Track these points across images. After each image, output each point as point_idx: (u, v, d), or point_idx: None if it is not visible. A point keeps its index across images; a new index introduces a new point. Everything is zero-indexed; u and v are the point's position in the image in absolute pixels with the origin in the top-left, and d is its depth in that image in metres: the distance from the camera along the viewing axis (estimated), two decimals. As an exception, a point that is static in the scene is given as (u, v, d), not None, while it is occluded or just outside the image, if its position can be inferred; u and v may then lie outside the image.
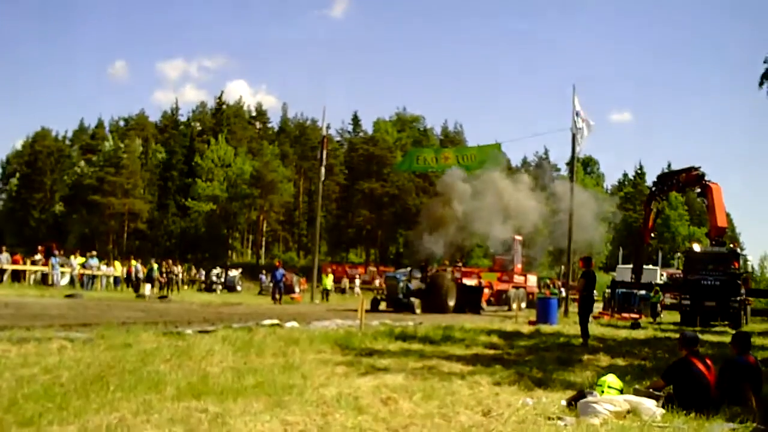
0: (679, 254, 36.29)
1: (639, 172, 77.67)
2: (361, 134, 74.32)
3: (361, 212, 63.75)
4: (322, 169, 29.64)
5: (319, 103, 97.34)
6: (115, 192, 60.45)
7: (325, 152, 29.49)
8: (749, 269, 28.71)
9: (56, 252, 27.84)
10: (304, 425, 4.70)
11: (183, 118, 77.98)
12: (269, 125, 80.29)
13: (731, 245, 27.88)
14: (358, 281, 41.90)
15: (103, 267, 30.75)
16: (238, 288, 38.65)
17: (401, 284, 23.66)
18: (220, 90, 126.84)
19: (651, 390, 6.13)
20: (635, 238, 33.95)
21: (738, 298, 23.02)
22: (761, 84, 17.33)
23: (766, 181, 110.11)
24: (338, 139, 73.54)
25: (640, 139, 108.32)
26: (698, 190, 26.75)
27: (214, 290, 35.82)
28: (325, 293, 31.48)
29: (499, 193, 29.41)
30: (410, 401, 5.75)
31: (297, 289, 34.68)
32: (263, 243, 66.75)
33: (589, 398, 5.66)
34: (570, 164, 29.01)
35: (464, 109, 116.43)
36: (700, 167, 26.28)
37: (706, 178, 25.96)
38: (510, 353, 10.60)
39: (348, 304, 25.71)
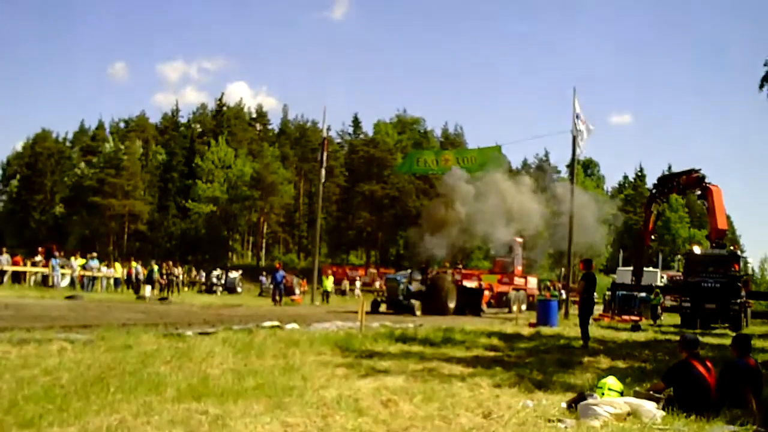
0: (679, 256, 36.29)
1: (639, 174, 77.70)
2: (361, 136, 74.37)
3: (361, 214, 63.74)
4: (323, 171, 29.66)
5: (319, 104, 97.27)
6: (115, 193, 60.47)
7: (325, 154, 29.49)
8: (749, 272, 28.67)
9: (56, 253, 27.82)
10: (305, 427, 4.70)
11: (183, 120, 78.28)
12: (270, 127, 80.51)
13: (731, 247, 27.92)
14: (358, 283, 41.87)
15: (104, 268, 30.76)
16: (239, 290, 38.63)
17: (401, 286, 23.67)
18: (220, 92, 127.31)
19: (651, 392, 6.13)
20: (635, 240, 33.94)
21: (738, 301, 23.04)
22: (761, 86, 17.36)
23: (766, 184, 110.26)
24: (339, 140, 73.61)
25: (641, 141, 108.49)
26: (698, 192, 26.78)
27: (215, 292, 35.80)
28: (326, 295, 31.46)
29: (501, 195, 29.39)
30: (410, 403, 5.75)
31: (297, 291, 34.66)
32: (263, 245, 66.75)
33: (590, 400, 5.66)
34: (570, 166, 29.03)
35: (464, 111, 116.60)
36: (700, 169, 26.33)
37: (706, 180, 25.99)
38: (510, 355, 10.59)
39: (348, 306, 25.70)
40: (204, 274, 40.02)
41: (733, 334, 10.88)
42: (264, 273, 42.86)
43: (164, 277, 29.78)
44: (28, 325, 10.08)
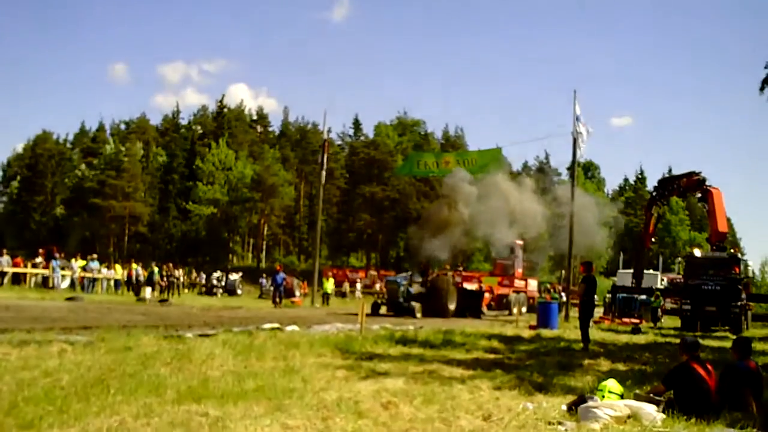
0: (679, 259, 36.28)
1: (640, 176, 77.73)
2: (362, 138, 74.44)
3: (361, 216, 63.77)
4: (323, 173, 29.66)
5: (320, 106, 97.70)
6: (115, 195, 60.52)
7: (326, 156, 29.50)
8: (750, 274, 28.70)
9: (57, 255, 27.82)
10: (305, 429, 4.70)
11: (184, 122, 78.39)
12: (270, 129, 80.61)
13: (732, 250, 27.92)
14: (358, 285, 41.88)
15: (104, 270, 30.78)
16: (239, 292, 38.66)
17: (402, 288, 23.66)
18: (221, 93, 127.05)
19: (651, 395, 6.13)
20: (636, 242, 33.94)
21: (739, 303, 23.04)
22: (762, 89, 17.32)
23: (767, 186, 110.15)
24: (339, 142, 73.71)
25: (641, 143, 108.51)
26: (699, 195, 26.75)
27: (215, 294, 35.81)
28: (326, 297, 31.46)
29: (504, 197, 29.40)
30: (411, 405, 5.75)
31: (297, 293, 34.66)
32: (264, 247, 66.78)
33: (590, 403, 5.66)
34: (571, 169, 29.01)
35: (465, 113, 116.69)
36: (700, 172, 26.30)
37: (706, 183, 25.97)
38: (510, 358, 10.59)
39: (348, 308, 25.70)
40: (204, 276, 40.05)
41: (734, 337, 10.88)
42: (264, 275, 42.90)
43: (164, 278, 29.83)
44: (28, 327, 10.08)
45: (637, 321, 24.41)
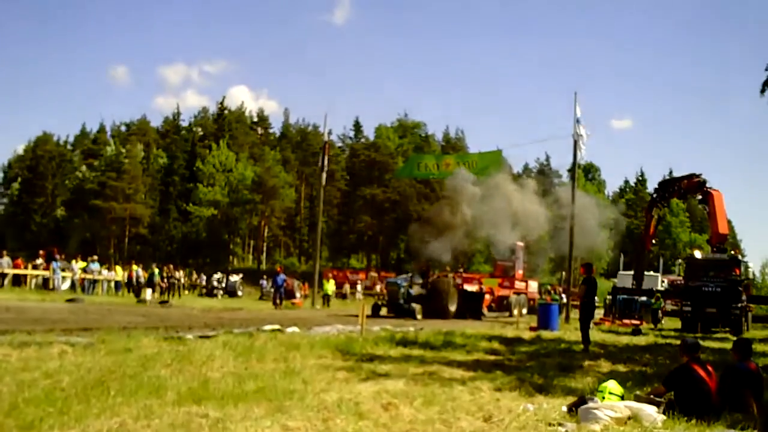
0: (680, 261, 36.21)
1: (640, 178, 77.78)
2: (362, 140, 74.48)
3: (362, 218, 63.79)
4: (324, 175, 29.65)
5: (320, 108, 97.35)
6: (116, 197, 60.52)
7: (326, 158, 29.49)
8: (750, 276, 28.68)
9: (57, 256, 27.86)
10: (305, 430, 4.70)
11: (184, 124, 78.43)
12: (271, 131, 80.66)
13: (732, 252, 27.93)
14: (359, 287, 41.87)
15: (105, 271, 30.79)
16: (239, 293, 38.65)
17: (402, 290, 23.64)
18: (221, 95, 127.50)
19: (652, 396, 6.12)
20: (636, 244, 33.93)
21: (739, 305, 23.03)
22: (762, 91, 17.30)
23: (767, 188, 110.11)
24: (340, 144, 73.75)
25: (641, 145, 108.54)
26: (699, 196, 26.78)
27: (215, 295, 35.82)
28: (326, 298, 31.46)
29: (506, 198, 29.37)
30: (411, 407, 5.75)
31: (298, 295, 34.67)
32: (264, 248, 66.80)
33: (590, 404, 5.66)
34: (572, 170, 28.98)
35: (466, 115, 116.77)
36: (701, 174, 26.34)
37: (707, 184, 25.99)
38: (511, 359, 10.59)
39: (349, 310, 25.69)
40: (205, 277, 40.05)
41: (734, 338, 10.88)
42: (265, 276, 42.89)
43: (165, 280, 29.83)
44: (28, 328, 10.08)
45: (637, 322, 24.40)
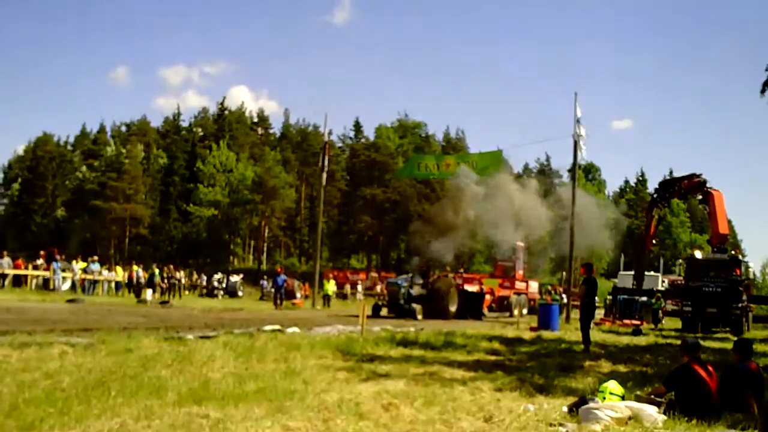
0: (680, 261, 36.18)
1: (640, 178, 77.76)
2: (362, 140, 74.45)
3: (362, 218, 63.75)
4: (324, 175, 29.66)
5: (320, 109, 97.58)
6: (116, 197, 60.51)
7: (326, 158, 29.50)
8: (751, 276, 28.67)
9: (58, 257, 27.88)
10: (306, 431, 4.70)
11: (185, 124, 78.42)
12: (271, 131, 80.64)
13: (733, 252, 27.91)
14: (359, 287, 41.85)
15: (105, 272, 30.81)
16: (240, 293, 38.66)
17: (403, 290, 23.65)
18: (221, 96, 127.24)
19: (652, 396, 6.12)
20: (637, 244, 33.93)
21: (740, 305, 23.03)
22: (763, 92, 17.28)
23: (767, 188, 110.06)
24: (340, 145, 73.74)
25: (642, 145, 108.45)
26: (700, 197, 26.78)
27: (216, 296, 35.83)
28: (327, 299, 31.46)
29: (509, 198, 29.35)
30: (411, 407, 5.74)
31: (298, 295, 34.69)
32: (265, 249, 66.78)
33: (591, 404, 5.66)
34: (572, 171, 28.96)
35: (466, 115, 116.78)
36: (701, 174, 26.33)
37: (707, 185, 25.98)
38: (511, 359, 10.58)
39: (349, 310, 25.69)
40: (205, 277, 40.09)
41: (735, 339, 10.88)
42: (265, 277, 42.92)
43: (165, 280, 29.83)
44: (29, 329, 10.08)
45: (638, 322, 24.37)
